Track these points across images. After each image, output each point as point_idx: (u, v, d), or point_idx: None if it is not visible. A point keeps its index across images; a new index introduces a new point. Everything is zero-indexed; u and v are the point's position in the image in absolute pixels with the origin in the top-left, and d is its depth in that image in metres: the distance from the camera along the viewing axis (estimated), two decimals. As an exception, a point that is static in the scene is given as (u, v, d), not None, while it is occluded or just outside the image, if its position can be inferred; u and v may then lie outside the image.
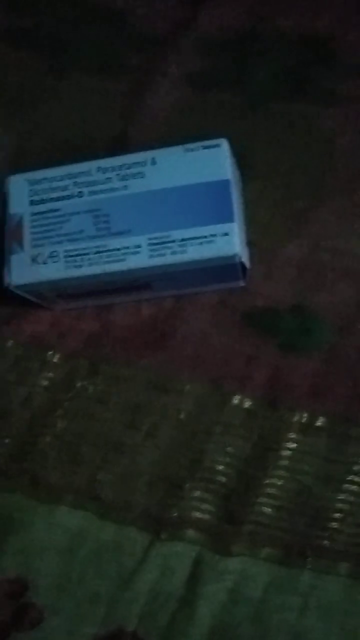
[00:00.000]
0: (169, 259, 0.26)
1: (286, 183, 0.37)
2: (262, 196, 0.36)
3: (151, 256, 0.26)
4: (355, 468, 0.34)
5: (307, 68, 0.39)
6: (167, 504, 0.34)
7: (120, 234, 0.26)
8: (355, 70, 0.39)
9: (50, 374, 0.37)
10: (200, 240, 0.26)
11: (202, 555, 0.33)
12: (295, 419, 0.34)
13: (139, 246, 0.26)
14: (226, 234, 0.26)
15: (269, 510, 0.34)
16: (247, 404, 0.35)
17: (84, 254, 0.26)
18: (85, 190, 0.27)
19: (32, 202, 0.27)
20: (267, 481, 0.34)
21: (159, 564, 0.33)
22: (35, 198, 0.27)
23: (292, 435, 0.34)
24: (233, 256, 0.26)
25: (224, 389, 0.35)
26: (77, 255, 0.26)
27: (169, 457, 0.35)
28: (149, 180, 0.26)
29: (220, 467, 0.34)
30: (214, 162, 0.26)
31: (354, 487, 0.34)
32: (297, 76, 0.39)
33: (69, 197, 0.27)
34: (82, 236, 0.26)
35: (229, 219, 0.26)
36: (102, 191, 0.27)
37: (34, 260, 0.26)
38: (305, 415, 0.35)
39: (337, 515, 0.33)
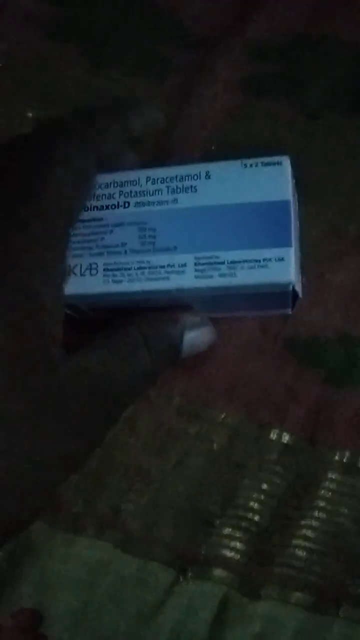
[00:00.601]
0: (216, 281, 0.24)
1: (342, 204, 0.35)
2: (315, 217, 0.34)
3: (197, 277, 0.24)
4: None
5: (366, 79, 0.37)
6: (195, 540, 0.32)
7: (165, 250, 0.24)
8: None
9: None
10: (252, 264, 0.24)
11: (229, 596, 0.32)
12: (336, 457, 0.33)
13: (184, 265, 0.24)
14: (281, 259, 0.24)
15: (303, 553, 0.32)
16: (286, 438, 0.33)
17: (125, 269, 0.24)
18: (132, 200, 0.25)
19: None
20: (303, 522, 0.32)
21: (183, 603, 0.32)
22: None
23: (332, 475, 0.33)
24: (287, 284, 0.24)
25: (261, 420, 0.34)
26: (117, 269, 0.24)
27: (199, 489, 0.33)
28: (201, 196, 0.24)
29: (254, 505, 0.33)
30: (274, 180, 0.24)
31: (395, 534, 0.32)
32: (356, 88, 0.36)
33: (114, 206, 0.25)
34: (125, 250, 0.24)
35: (285, 243, 0.24)
36: (149, 203, 0.25)
37: (70, 271, 0.25)
38: (347, 454, 0.33)
39: (374, 562, 0.32)
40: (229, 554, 0.32)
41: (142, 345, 0.24)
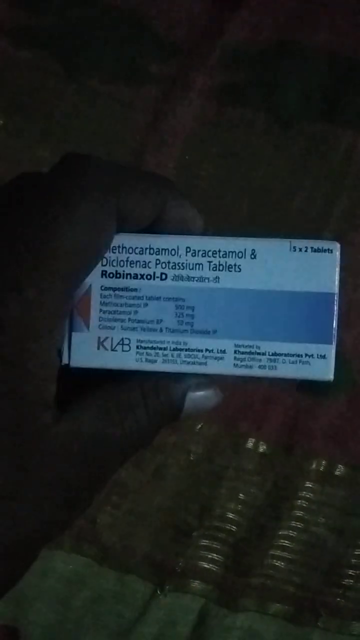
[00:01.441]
0: (255, 372, 0.23)
1: (315, 211, 0.35)
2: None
3: (236, 365, 0.23)
4: (375, 522, 0.32)
5: (341, 88, 0.37)
6: (173, 552, 0.33)
7: (204, 333, 0.23)
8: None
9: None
10: (294, 359, 0.23)
11: (207, 608, 0.32)
12: (313, 466, 0.33)
13: (223, 352, 0.23)
14: (323, 357, 0.23)
15: (281, 563, 0.32)
16: (262, 447, 0.34)
17: (160, 349, 0.23)
18: (169, 273, 0.24)
19: (104, 273, 0.23)
20: (280, 532, 0.33)
21: (161, 617, 0.32)
22: (109, 269, 0.24)
23: (309, 484, 0.33)
24: (327, 380, 0.24)
25: (238, 430, 0.34)
26: (151, 348, 0.23)
27: (177, 500, 0.33)
28: (245, 277, 0.24)
29: (231, 515, 0.33)
30: (322, 269, 0.24)
31: (372, 543, 0.32)
32: (330, 96, 0.37)
33: (149, 277, 0.24)
34: (160, 327, 0.23)
35: (327, 339, 0.23)
36: (189, 278, 0.24)
37: (100, 344, 0.23)
38: (324, 463, 0.33)
39: (352, 571, 0.32)
40: (206, 565, 0.33)
41: (141, 405, 0.23)
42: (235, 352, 0.23)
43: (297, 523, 0.33)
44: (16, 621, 0.32)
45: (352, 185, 0.35)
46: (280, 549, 0.33)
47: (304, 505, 0.33)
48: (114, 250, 0.23)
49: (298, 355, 0.23)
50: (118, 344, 0.23)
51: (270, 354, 0.23)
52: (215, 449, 0.34)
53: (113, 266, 0.23)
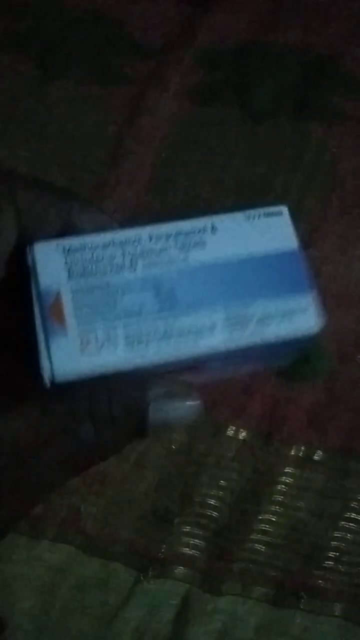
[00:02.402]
0: (247, 339, 0.23)
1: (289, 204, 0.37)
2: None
3: (228, 335, 0.23)
4: (353, 505, 0.34)
5: (312, 84, 0.39)
6: (155, 539, 0.34)
7: (189, 309, 0.23)
8: (360, 89, 0.39)
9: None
10: (279, 319, 0.24)
11: (190, 593, 0.33)
12: (292, 452, 0.34)
13: (213, 324, 0.23)
14: (305, 310, 0.24)
15: (262, 547, 0.33)
16: (242, 435, 0.35)
17: (149, 334, 0.23)
18: (139, 261, 0.24)
19: (71, 274, 0.23)
20: (261, 517, 0.34)
21: (145, 603, 0.33)
22: (76, 269, 0.23)
23: (288, 470, 0.34)
24: (314, 332, 0.23)
25: (218, 418, 0.35)
26: (139, 336, 0.22)
27: (159, 489, 0.34)
28: (211, 250, 0.24)
29: (213, 502, 0.34)
30: (279, 230, 0.25)
31: (351, 525, 0.34)
32: (301, 92, 0.39)
33: (119, 268, 0.23)
34: (144, 313, 0.23)
35: (305, 289, 0.24)
36: (159, 263, 0.24)
37: (84, 345, 0.22)
38: (303, 448, 0.34)
39: (332, 553, 0.33)
40: (189, 551, 0.34)
41: (86, 415, 0.20)
42: (225, 320, 0.23)
43: (278, 507, 0.34)
44: (3, 610, 0.33)
45: (323, 178, 0.37)
46: (261, 533, 0.34)
47: (284, 490, 0.34)
48: (76, 251, 0.23)
49: (283, 314, 0.23)
50: (104, 339, 0.22)
51: (258, 316, 0.23)
52: (196, 438, 0.35)
53: (78, 265, 0.23)
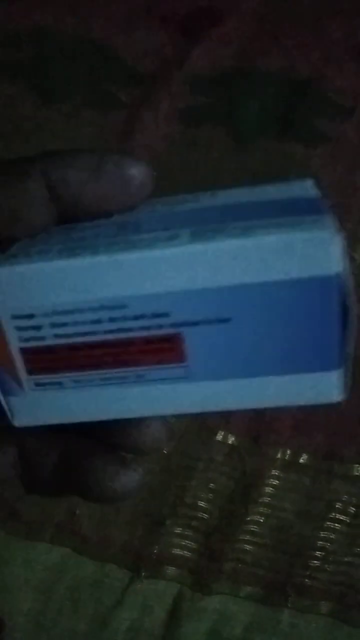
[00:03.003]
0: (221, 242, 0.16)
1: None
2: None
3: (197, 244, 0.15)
4: (338, 506, 0.35)
5: (294, 107, 0.41)
6: (148, 541, 0.35)
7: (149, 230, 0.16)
8: (341, 111, 0.41)
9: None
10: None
11: (182, 593, 0.35)
12: (279, 455, 0.36)
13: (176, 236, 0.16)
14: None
15: (251, 547, 0.35)
16: (231, 439, 0.37)
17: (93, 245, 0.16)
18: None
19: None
20: (249, 518, 0.35)
21: (139, 602, 0.34)
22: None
23: (275, 472, 0.36)
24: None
25: (208, 424, 0.37)
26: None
27: (151, 492, 0.36)
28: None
29: (203, 504, 0.36)
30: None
31: (336, 525, 0.35)
32: (285, 115, 0.41)
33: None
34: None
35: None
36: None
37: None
38: (289, 452, 0.36)
39: (318, 553, 0.35)
40: (180, 552, 0.35)
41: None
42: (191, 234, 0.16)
43: (265, 509, 0.36)
44: (2, 611, 0.35)
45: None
46: (250, 534, 0.35)
47: (271, 492, 0.36)
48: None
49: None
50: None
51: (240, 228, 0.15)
52: (186, 443, 0.37)
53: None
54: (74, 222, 0.17)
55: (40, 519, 0.36)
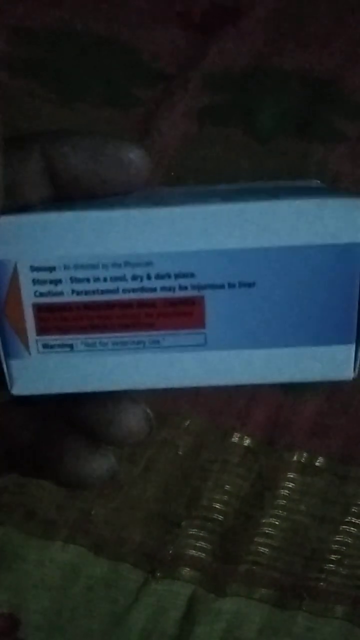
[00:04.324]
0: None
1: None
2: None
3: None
4: (353, 509, 0.35)
5: (313, 106, 0.41)
6: (163, 541, 0.36)
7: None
8: (360, 110, 0.41)
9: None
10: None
11: (196, 594, 0.35)
12: (295, 458, 0.36)
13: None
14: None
15: (266, 550, 0.35)
16: (247, 441, 0.37)
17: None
18: None
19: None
20: (264, 520, 0.36)
21: (153, 603, 0.35)
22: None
23: (291, 475, 0.36)
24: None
25: (224, 425, 0.37)
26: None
27: (166, 493, 0.36)
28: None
29: (218, 506, 0.36)
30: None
31: (351, 529, 0.35)
32: (303, 114, 0.41)
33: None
34: None
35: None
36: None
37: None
38: (305, 454, 0.36)
39: (333, 556, 0.35)
40: (195, 553, 0.36)
41: None
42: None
43: (280, 511, 0.36)
44: (16, 609, 0.35)
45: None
46: (265, 536, 0.36)
47: (287, 494, 0.36)
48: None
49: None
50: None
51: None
52: (202, 444, 0.37)
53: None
54: (72, 200, 0.17)
55: (56, 518, 0.36)
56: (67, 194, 0.18)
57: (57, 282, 0.15)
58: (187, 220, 0.15)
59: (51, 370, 0.16)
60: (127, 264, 0.15)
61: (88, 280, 0.15)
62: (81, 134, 0.18)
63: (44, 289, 0.15)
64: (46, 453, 0.18)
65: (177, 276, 0.15)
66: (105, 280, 0.15)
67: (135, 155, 0.18)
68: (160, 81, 0.43)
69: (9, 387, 0.16)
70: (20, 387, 0.16)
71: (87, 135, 0.18)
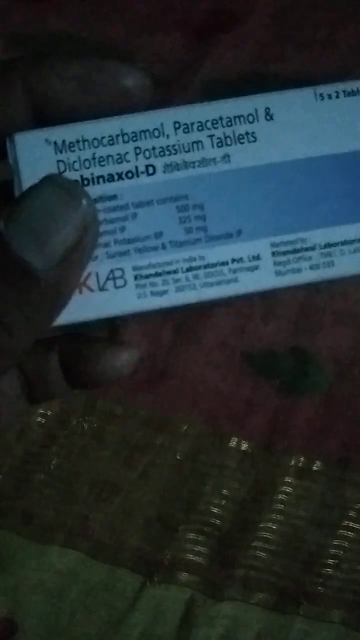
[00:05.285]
0: (307, 276, 0.17)
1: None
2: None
3: (279, 273, 0.17)
4: (351, 514, 0.36)
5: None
6: (161, 546, 0.36)
7: (225, 237, 0.17)
8: None
9: (45, 410, 0.39)
10: (353, 246, 0.17)
11: (194, 599, 0.35)
12: (292, 462, 0.37)
13: (257, 257, 0.17)
14: None
15: (263, 554, 0.36)
16: (244, 446, 0.37)
17: (169, 272, 0.17)
18: (158, 162, 0.17)
19: None
20: (262, 525, 0.36)
21: (151, 607, 0.35)
22: (71, 175, 0.17)
23: (288, 480, 0.36)
24: None
25: (222, 430, 0.38)
26: (156, 275, 0.17)
27: (164, 498, 0.37)
28: (264, 148, 0.17)
29: (216, 510, 0.36)
30: (358, 117, 0.18)
31: (349, 533, 0.36)
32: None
33: (130, 174, 0.17)
34: (162, 243, 0.17)
35: None
36: (187, 165, 0.17)
37: (81, 285, 0.17)
38: (302, 459, 0.37)
39: (331, 561, 0.35)
40: (193, 557, 0.36)
41: None
42: (273, 254, 0.17)
43: (278, 516, 0.36)
44: (14, 614, 0.36)
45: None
46: (263, 540, 0.36)
47: (284, 499, 0.36)
48: (72, 148, 0.17)
49: (359, 240, 0.17)
50: (107, 279, 0.17)
51: (322, 245, 0.17)
52: (200, 449, 0.38)
53: (75, 170, 0.17)
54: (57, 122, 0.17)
55: (53, 522, 0.37)
56: (53, 118, 0.17)
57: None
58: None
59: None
60: None
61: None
62: (68, 56, 0.16)
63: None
64: (78, 363, 0.18)
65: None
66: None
67: (133, 81, 0.16)
68: (157, 87, 0.43)
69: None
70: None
71: (75, 58, 0.16)
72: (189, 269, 0.17)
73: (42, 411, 0.39)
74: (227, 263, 0.17)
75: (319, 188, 0.18)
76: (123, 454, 0.38)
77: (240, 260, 0.17)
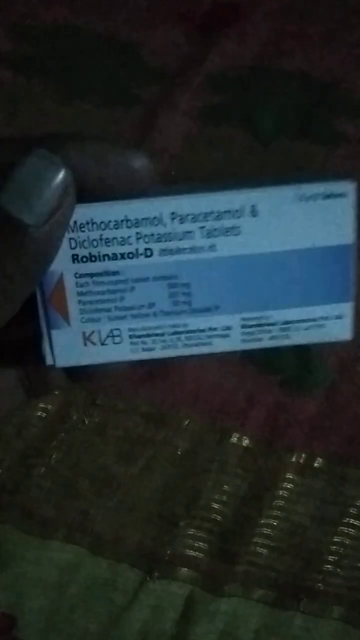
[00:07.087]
0: (265, 343, 0.21)
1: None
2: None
3: (245, 340, 0.21)
4: (352, 510, 0.36)
5: (314, 108, 0.42)
6: (161, 541, 0.36)
7: (205, 311, 0.21)
8: (361, 112, 0.42)
9: (46, 405, 0.39)
10: (308, 324, 0.21)
11: (194, 594, 0.36)
12: (293, 459, 0.37)
13: (228, 328, 0.21)
14: (339, 317, 0.22)
15: (264, 550, 0.36)
16: (245, 442, 0.38)
17: (157, 335, 0.21)
18: (155, 247, 0.21)
19: (75, 258, 0.21)
20: (263, 521, 0.36)
21: (151, 603, 0.36)
22: (81, 252, 0.21)
23: (289, 476, 0.37)
24: (344, 341, 0.22)
25: (223, 425, 0.38)
26: (147, 335, 0.21)
27: (165, 493, 0.37)
28: (247, 240, 0.21)
29: (216, 506, 0.37)
30: (334, 217, 0.21)
31: (350, 530, 0.36)
32: (304, 115, 0.42)
33: (131, 255, 0.21)
34: (154, 311, 0.21)
35: (344, 297, 0.21)
36: (179, 250, 0.21)
37: (86, 339, 0.21)
38: (303, 455, 0.37)
39: (331, 557, 0.36)
40: (193, 553, 0.36)
41: None
42: (242, 326, 0.21)
43: (279, 512, 0.36)
44: (13, 608, 0.36)
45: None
46: (263, 537, 0.36)
47: (285, 495, 0.37)
48: (83, 228, 0.20)
49: (312, 320, 0.21)
50: (107, 336, 0.21)
51: (282, 322, 0.21)
52: (201, 444, 0.38)
53: (85, 247, 0.21)
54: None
55: (54, 517, 0.37)
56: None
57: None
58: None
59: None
60: None
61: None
62: (88, 139, 0.19)
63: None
64: None
65: None
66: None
67: (140, 163, 0.19)
68: (162, 81, 0.44)
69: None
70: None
71: (93, 140, 0.19)
72: (174, 333, 0.21)
73: (42, 406, 0.39)
74: (204, 330, 0.21)
75: (286, 276, 0.21)
76: (124, 449, 0.38)
77: (215, 329, 0.21)
